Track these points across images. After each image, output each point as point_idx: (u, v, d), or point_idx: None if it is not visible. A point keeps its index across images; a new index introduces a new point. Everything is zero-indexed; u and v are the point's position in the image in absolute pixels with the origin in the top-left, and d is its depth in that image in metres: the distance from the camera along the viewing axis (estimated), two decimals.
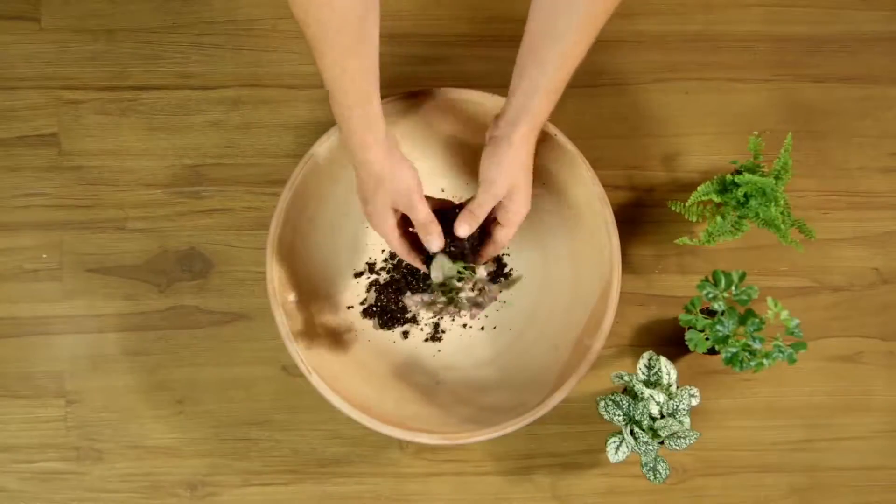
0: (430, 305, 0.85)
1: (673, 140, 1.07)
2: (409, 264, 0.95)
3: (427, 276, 0.87)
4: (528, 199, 0.84)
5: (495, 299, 0.87)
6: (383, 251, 1.00)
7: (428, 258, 0.86)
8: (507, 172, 0.81)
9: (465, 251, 0.86)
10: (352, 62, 0.73)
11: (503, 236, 0.85)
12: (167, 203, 1.03)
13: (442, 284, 0.84)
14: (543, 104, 0.80)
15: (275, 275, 0.88)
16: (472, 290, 0.86)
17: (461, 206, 0.86)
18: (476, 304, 0.85)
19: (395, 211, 0.84)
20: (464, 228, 0.84)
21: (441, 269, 0.84)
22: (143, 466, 0.99)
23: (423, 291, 0.91)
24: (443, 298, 0.85)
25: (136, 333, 1.01)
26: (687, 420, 0.87)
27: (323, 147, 0.91)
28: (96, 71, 1.06)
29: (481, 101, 0.92)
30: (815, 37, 1.10)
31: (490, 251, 0.87)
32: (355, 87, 0.75)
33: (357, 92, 0.75)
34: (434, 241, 0.84)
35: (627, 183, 1.05)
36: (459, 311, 0.85)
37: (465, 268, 0.85)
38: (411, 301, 0.86)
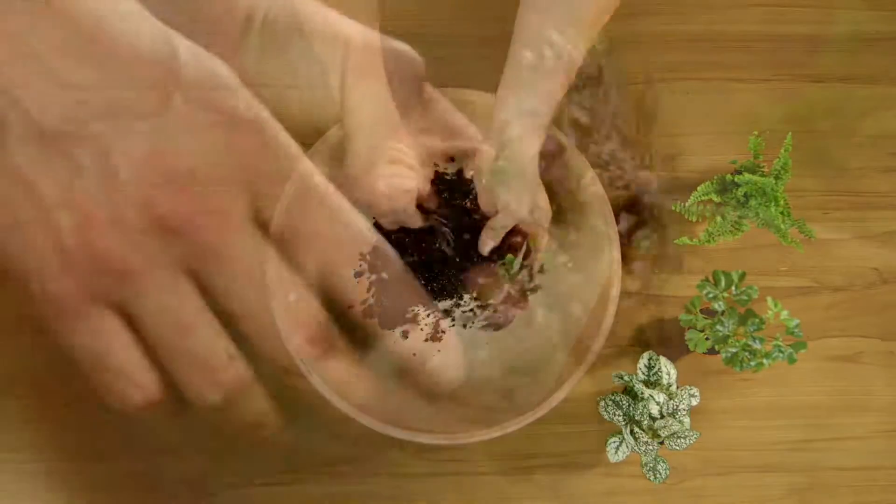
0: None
1: (673, 140, 1.07)
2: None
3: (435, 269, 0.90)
4: (548, 203, 0.86)
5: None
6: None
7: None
8: (531, 197, 0.82)
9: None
10: None
11: (542, 239, 0.89)
12: None
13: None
14: (547, 122, 0.78)
15: (275, 274, 0.88)
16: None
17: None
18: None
19: None
20: (489, 245, 0.86)
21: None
22: (143, 466, 0.98)
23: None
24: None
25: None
26: (687, 420, 0.87)
27: (323, 147, 0.91)
28: None
29: (482, 101, 0.92)
30: (815, 37, 1.10)
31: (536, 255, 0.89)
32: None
33: None
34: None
35: None
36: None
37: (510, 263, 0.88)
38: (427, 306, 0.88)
